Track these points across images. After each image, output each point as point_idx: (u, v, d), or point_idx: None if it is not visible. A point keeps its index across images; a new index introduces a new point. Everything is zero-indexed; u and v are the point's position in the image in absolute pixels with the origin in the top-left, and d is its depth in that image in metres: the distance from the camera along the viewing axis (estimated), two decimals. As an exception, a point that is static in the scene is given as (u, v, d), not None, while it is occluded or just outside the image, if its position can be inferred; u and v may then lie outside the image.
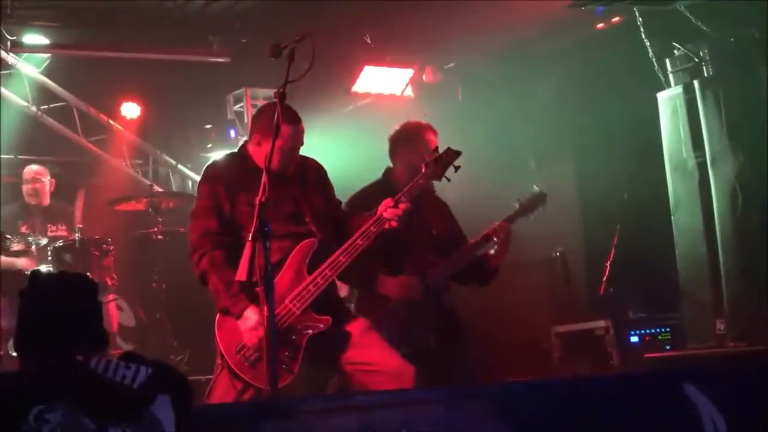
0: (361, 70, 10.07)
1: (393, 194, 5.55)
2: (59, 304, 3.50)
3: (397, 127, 6.61)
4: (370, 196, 6.10)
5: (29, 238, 8.39)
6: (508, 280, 7.49)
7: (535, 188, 6.53)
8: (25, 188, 9.05)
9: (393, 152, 6.58)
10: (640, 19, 8.18)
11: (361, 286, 6.26)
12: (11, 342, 7.49)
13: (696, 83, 7.77)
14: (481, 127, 8.89)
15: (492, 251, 6.40)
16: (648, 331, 7.74)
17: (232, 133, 10.55)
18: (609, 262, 8.11)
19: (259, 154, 5.38)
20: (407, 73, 10.28)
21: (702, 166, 7.65)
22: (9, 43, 9.70)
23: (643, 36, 8.17)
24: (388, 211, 5.39)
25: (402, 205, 5.42)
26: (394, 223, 5.37)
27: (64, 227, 8.91)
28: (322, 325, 5.23)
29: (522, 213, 6.44)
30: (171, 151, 11.25)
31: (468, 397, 4.56)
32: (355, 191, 6.46)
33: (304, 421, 4.05)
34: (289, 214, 5.35)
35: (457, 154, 5.88)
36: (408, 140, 6.46)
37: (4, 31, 9.63)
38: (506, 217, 6.41)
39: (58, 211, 9.20)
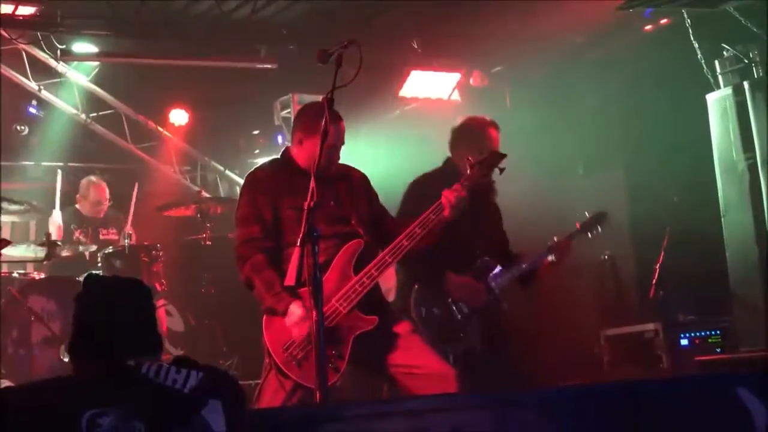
0: (408, 74, 10.09)
1: (454, 181, 5.56)
2: (113, 308, 3.52)
3: (460, 120, 6.57)
4: (431, 180, 6.21)
5: (80, 245, 8.45)
6: (557, 284, 7.48)
7: (597, 211, 6.66)
8: (89, 205, 9.10)
9: (453, 145, 6.52)
10: (689, 21, 8.12)
11: (425, 280, 6.26)
12: (62, 347, 7.55)
13: (746, 84, 7.70)
14: (529, 132, 8.84)
15: (550, 259, 6.45)
16: (698, 334, 7.66)
17: (280, 138, 10.58)
18: (659, 265, 8.07)
19: (301, 154, 5.46)
20: (454, 77, 10.28)
21: (752, 168, 7.58)
22: (59, 51, 9.79)
23: (692, 38, 8.11)
24: (434, 213, 5.41)
25: (461, 192, 5.44)
26: (446, 212, 5.38)
27: (114, 231, 8.97)
28: (368, 325, 5.25)
29: (582, 231, 6.56)
30: (219, 157, 11.32)
31: (518, 403, 4.53)
32: (416, 177, 6.47)
33: (355, 426, 4.04)
34: (334, 216, 5.37)
35: (502, 156, 5.86)
36: (469, 136, 6.42)
37: (54, 40, 9.73)
38: (568, 234, 6.50)
39: (110, 218, 9.26)
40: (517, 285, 6.51)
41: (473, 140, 6.33)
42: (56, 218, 8.91)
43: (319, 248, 4.75)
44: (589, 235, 6.59)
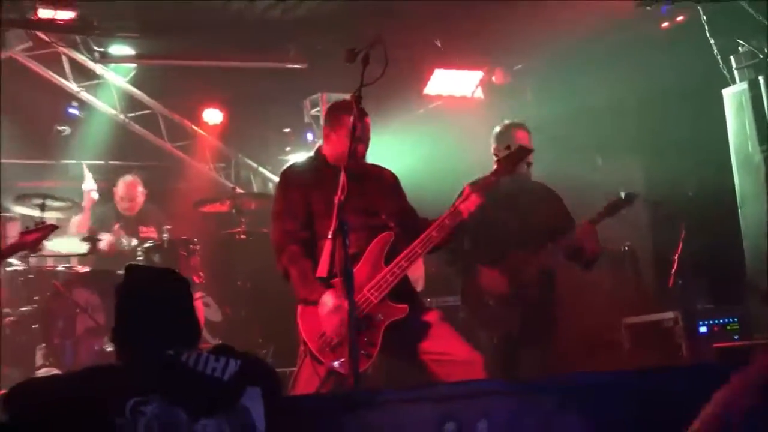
0: (432, 73, 10.07)
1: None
2: (152, 299, 3.54)
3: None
4: None
5: (121, 239, 8.48)
6: (578, 274, 7.45)
7: (622, 193, 6.55)
8: (119, 201, 9.10)
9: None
10: (705, 17, 8.07)
11: (464, 274, 6.48)
12: (106, 338, 7.59)
13: (761, 79, 7.66)
14: (551, 125, 8.80)
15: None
16: (716, 321, 7.59)
17: (310, 135, 10.61)
18: (677, 256, 8.03)
19: (328, 149, 5.58)
20: (477, 75, 10.26)
21: (768, 160, 7.55)
22: (98, 54, 9.85)
23: (708, 33, 8.05)
24: (462, 205, 5.44)
25: (474, 200, 5.47)
26: (465, 216, 5.42)
27: (153, 228, 8.97)
28: (399, 314, 5.28)
29: (606, 215, 6.48)
30: (251, 154, 11.36)
31: (541, 389, 4.54)
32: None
33: (387, 412, 4.05)
34: (364, 209, 5.42)
35: (528, 151, 5.89)
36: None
37: (92, 44, 9.79)
38: (590, 219, 6.45)
39: (148, 214, 9.27)
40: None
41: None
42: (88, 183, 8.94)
43: (351, 240, 4.81)
44: (617, 216, 6.51)
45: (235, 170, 11.34)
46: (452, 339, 5.41)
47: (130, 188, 9.15)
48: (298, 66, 10.18)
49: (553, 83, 9.63)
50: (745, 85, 7.79)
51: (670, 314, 7.57)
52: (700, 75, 8.28)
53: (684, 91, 8.54)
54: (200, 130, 10.93)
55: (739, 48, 8.04)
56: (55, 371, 7.33)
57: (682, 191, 8.68)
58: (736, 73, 8.03)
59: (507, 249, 6.43)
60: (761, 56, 7.87)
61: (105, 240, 8.34)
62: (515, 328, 6.34)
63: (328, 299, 5.18)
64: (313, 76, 10.26)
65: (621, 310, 8.18)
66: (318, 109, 10.53)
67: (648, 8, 8.10)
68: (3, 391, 3.35)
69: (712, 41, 8.06)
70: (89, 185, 8.89)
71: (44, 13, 8.91)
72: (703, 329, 7.52)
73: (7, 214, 8.57)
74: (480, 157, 7.15)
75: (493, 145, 6.72)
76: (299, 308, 5.35)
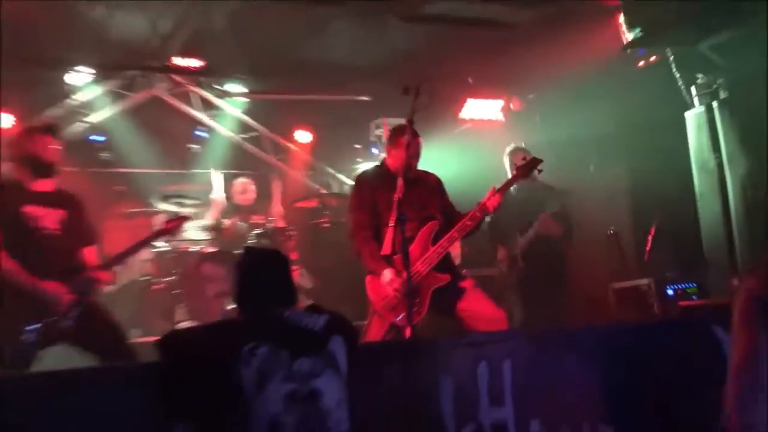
0: (465, 101, 10.03)
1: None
2: (263, 271, 3.59)
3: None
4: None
5: (236, 227, 8.54)
6: (576, 252, 7.46)
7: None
8: (236, 194, 9.09)
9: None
10: (672, 57, 8.00)
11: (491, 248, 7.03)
12: (228, 300, 7.66)
13: (714, 104, 7.58)
14: (554, 141, 8.75)
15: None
16: (680, 286, 7.53)
17: (375, 150, 10.58)
18: (651, 237, 8.00)
19: (390, 161, 5.64)
20: (499, 103, 10.19)
21: (719, 166, 7.47)
22: (218, 91, 9.97)
23: (674, 69, 7.98)
24: (488, 201, 5.45)
25: (498, 198, 5.47)
26: (490, 210, 5.42)
27: (262, 217, 8.92)
28: (442, 281, 5.32)
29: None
30: (332, 163, 11.36)
31: (550, 336, 4.53)
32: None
33: (435, 355, 4.07)
34: (417, 205, 5.45)
35: (539, 162, 5.88)
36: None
37: (213, 83, 9.91)
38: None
39: (257, 208, 9.27)
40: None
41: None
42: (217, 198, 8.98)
43: (407, 227, 4.86)
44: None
45: (319, 176, 11.37)
46: (483, 300, 5.44)
47: (245, 184, 9.17)
48: (365, 98, 10.20)
49: (557, 108, 9.55)
50: (702, 109, 7.71)
51: (645, 281, 7.52)
52: (668, 100, 8.19)
53: (659, 112, 8.45)
54: (293, 147, 10.97)
55: (698, 80, 7.95)
56: (191, 324, 7.42)
57: (656, 188, 8.60)
58: (695, 99, 7.94)
59: (509, 232, 6.76)
60: (714, 86, 7.78)
61: (226, 226, 8.41)
62: (520, 287, 6.64)
63: (388, 273, 5.26)
64: (376, 105, 10.27)
65: (609, 278, 8.13)
66: (380, 129, 10.49)
67: (628, 51, 8.02)
68: (157, 338, 3.41)
69: (678, 75, 7.99)
70: (218, 194, 8.97)
71: (178, 61, 9.05)
72: (670, 292, 7.47)
73: (154, 210, 8.69)
74: (499, 166, 7.19)
75: (505, 160, 7.10)
76: (368, 278, 5.41)
